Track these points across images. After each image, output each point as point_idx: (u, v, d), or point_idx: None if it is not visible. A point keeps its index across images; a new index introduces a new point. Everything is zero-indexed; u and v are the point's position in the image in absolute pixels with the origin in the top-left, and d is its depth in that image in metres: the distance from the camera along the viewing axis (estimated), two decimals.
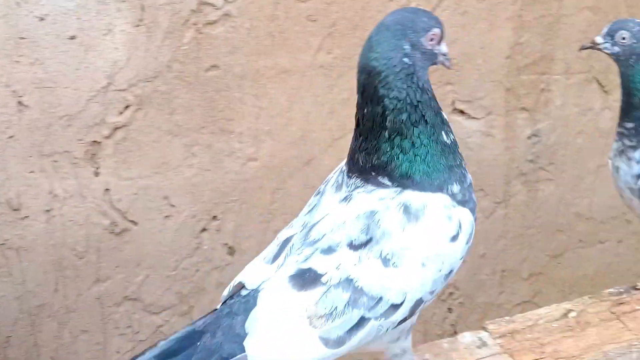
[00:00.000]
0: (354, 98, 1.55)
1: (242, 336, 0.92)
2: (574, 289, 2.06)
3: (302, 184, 1.58)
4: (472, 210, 0.98)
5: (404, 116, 0.94)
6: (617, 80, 1.86)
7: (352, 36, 1.51)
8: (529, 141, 1.82)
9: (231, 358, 0.91)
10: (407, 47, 0.94)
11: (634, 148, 1.24)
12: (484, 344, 1.24)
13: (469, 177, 1.00)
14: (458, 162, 0.98)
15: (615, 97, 1.88)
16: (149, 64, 1.36)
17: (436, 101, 0.97)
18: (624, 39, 1.22)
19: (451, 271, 0.98)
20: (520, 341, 1.24)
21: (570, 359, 1.21)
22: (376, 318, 0.93)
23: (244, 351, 0.91)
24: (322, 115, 1.54)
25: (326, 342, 0.92)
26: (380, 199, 0.95)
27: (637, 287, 1.38)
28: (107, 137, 1.38)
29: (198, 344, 0.92)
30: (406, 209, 0.94)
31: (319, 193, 1.05)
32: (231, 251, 1.56)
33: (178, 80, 1.39)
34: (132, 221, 1.46)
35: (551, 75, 1.78)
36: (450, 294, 1.86)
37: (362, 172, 0.98)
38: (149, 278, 1.51)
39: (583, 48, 1.28)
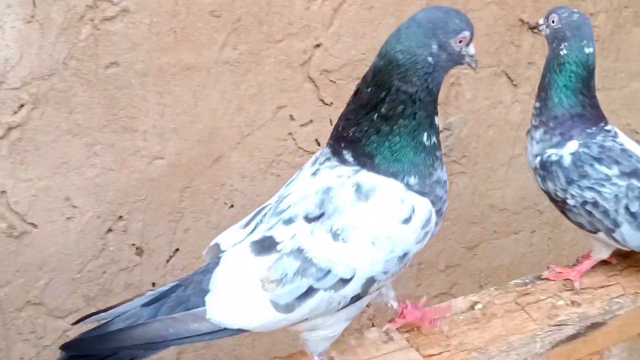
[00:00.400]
0: (261, 94, 1.55)
1: (206, 291, 0.99)
2: (490, 279, 2.09)
3: (211, 182, 1.56)
4: (433, 202, 1.01)
5: (400, 108, 0.98)
6: (525, 73, 1.92)
7: (258, 32, 1.50)
8: (441, 135, 1.84)
9: (193, 309, 0.98)
10: (434, 46, 0.97)
11: (536, 128, 1.30)
12: (390, 339, 1.24)
13: (441, 176, 1.03)
14: (429, 162, 1.01)
15: (524, 90, 1.93)
16: (43, 61, 1.31)
17: (435, 104, 1.01)
18: (553, 22, 1.28)
19: (405, 254, 1.01)
20: (427, 335, 1.25)
21: (475, 350, 1.23)
22: (325, 289, 0.98)
23: (204, 305, 0.98)
24: (230, 111, 1.52)
25: (276, 306, 0.97)
26: (338, 176, 1.01)
27: (542, 277, 1.41)
28: (1, 138, 1.33)
29: (172, 294, 1.01)
30: (358, 188, 0.99)
31: (302, 168, 1.11)
32: (139, 251, 1.53)
33: (76, 77, 1.35)
34: (31, 224, 1.41)
35: (461, 69, 1.80)
36: None
37: (336, 141, 1.04)
38: (53, 282, 1.46)
39: (530, 27, 1.35)
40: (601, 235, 1.28)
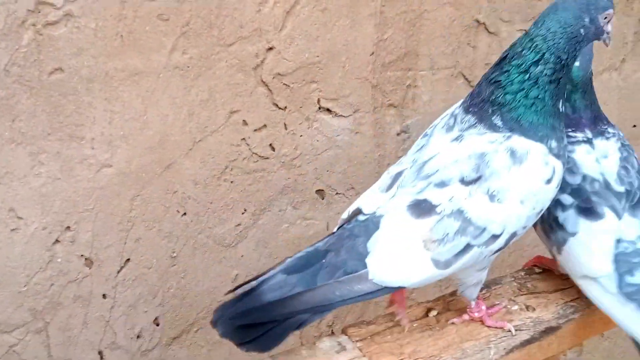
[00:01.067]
0: (213, 99, 1.52)
1: (364, 254, 1.09)
2: (451, 283, 2.08)
3: (163, 190, 1.53)
4: (563, 164, 1.16)
5: (550, 71, 1.11)
6: (482, 74, 1.91)
7: (208, 35, 1.47)
8: (398, 137, 1.83)
9: (354, 273, 1.08)
10: (587, 20, 1.11)
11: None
12: (342, 349, 1.23)
13: (566, 141, 1.18)
14: (561, 128, 1.15)
15: None
16: None
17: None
18: None
19: (542, 209, 1.16)
20: (380, 343, 1.24)
21: (429, 358, 1.21)
22: (479, 246, 1.11)
23: (366, 267, 1.08)
24: (181, 117, 1.50)
25: (436, 263, 1.10)
26: (490, 142, 1.12)
27: (497, 282, 1.41)
28: None
29: (323, 261, 1.10)
30: (512, 153, 1.11)
31: (425, 135, 1.21)
32: (88, 262, 1.49)
33: (18, 85, 1.31)
34: None
35: (417, 71, 1.79)
36: None
37: (480, 108, 1.14)
38: None
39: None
40: None
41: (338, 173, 1.76)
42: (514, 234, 1.14)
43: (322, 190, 1.76)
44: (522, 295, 1.38)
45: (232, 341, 1.08)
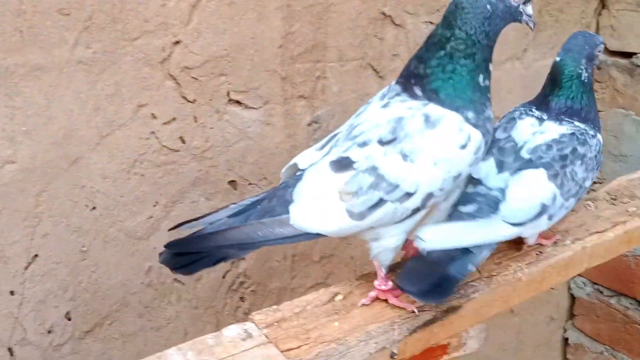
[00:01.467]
0: (120, 93, 1.52)
1: (290, 202, 1.22)
2: (365, 267, 2.14)
3: (70, 185, 1.52)
4: (483, 134, 1.21)
5: (462, 47, 1.18)
6: (390, 65, 1.96)
7: (112, 30, 1.47)
8: (309, 128, 1.87)
9: (278, 216, 1.21)
10: None
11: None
12: (249, 336, 1.25)
13: (490, 114, 1.24)
14: (482, 101, 1.22)
15: (390, 82, 1.98)
16: None
17: (491, 52, 1.21)
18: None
19: (459, 174, 1.22)
20: (286, 329, 1.26)
21: (334, 341, 1.25)
22: (392, 201, 1.19)
23: (289, 213, 1.21)
24: (86, 112, 1.49)
25: (351, 214, 1.19)
26: (409, 108, 1.21)
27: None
28: None
29: (258, 206, 1.25)
30: (427, 118, 1.19)
31: (368, 103, 1.31)
32: None
33: None
34: None
35: (326, 63, 1.83)
36: (242, 283, 1.87)
37: (406, 78, 1.24)
38: None
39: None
40: None
41: (250, 164, 1.79)
42: (430, 195, 1.21)
43: (235, 181, 1.78)
44: None
45: (167, 266, 1.24)
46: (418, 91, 1.22)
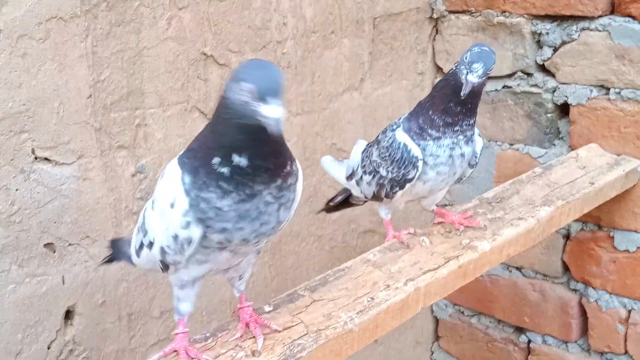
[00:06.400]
0: None
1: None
2: (212, 317, 2.04)
3: None
4: (192, 205, 1.13)
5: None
6: None
7: None
8: (134, 178, 1.75)
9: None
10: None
11: (472, 133, 1.59)
12: None
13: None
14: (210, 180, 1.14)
15: None
16: None
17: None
18: (491, 71, 1.51)
19: (176, 236, 1.16)
20: None
21: None
22: (147, 246, 1.25)
23: None
24: None
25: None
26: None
27: (224, 328, 1.37)
28: None
29: None
30: (164, 170, 1.20)
31: None
32: None
33: None
34: None
35: (145, 110, 1.73)
36: (71, 351, 1.73)
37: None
38: None
39: (467, 93, 1.49)
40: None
41: (68, 224, 1.66)
42: (163, 251, 1.21)
43: (52, 243, 1.64)
44: (250, 339, 1.34)
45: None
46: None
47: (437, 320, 2.79)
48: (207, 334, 1.35)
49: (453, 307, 2.71)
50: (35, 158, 1.57)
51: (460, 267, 1.61)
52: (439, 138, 1.55)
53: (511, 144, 2.39)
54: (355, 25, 2.10)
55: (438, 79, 2.49)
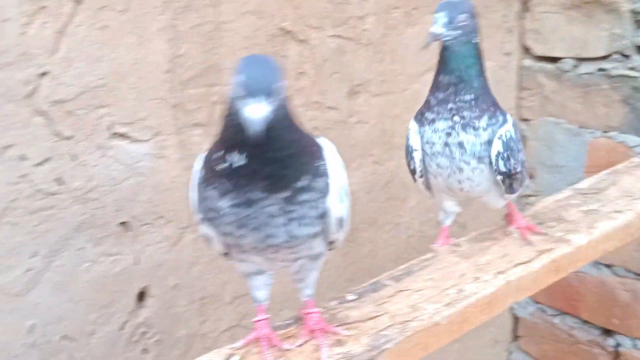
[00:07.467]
0: None
1: None
2: (285, 305, 2.04)
3: None
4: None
5: None
6: (296, 85, 1.87)
7: None
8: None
9: None
10: None
11: (478, 118, 1.35)
12: None
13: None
14: None
15: (299, 102, 1.89)
16: None
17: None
18: (463, 20, 1.32)
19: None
20: None
21: None
22: None
23: None
24: None
25: None
26: None
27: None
28: None
29: None
30: None
31: None
32: None
33: None
34: None
35: (222, 86, 1.73)
36: (143, 333, 1.76)
37: None
38: None
39: (427, 45, 1.34)
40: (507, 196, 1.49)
41: (143, 202, 1.68)
42: None
43: (127, 222, 1.67)
44: (337, 326, 1.34)
45: None
46: None
47: (516, 319, 2.73)
48: (289, 321, 1.35)
49: (535, 305, 2.65)
50: (113, 134, 1.59)
51: (554, 261, 1.56)
52: (433, 121, 1.38)
53: (604, 132, 2.32)
54: (438, 2, 2.06)
55: (525, 61, 2.44)
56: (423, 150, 1.42)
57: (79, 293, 1.63)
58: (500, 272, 1.49)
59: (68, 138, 1.53)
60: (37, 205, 1.52)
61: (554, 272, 1.57)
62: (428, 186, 1.50)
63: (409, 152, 1.45)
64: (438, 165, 1.42)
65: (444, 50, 1.36)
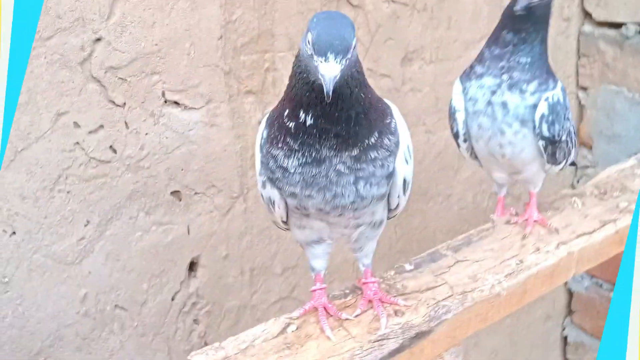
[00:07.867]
0: (34, 101, 1.42)
1: None
2: (335, 276, 2.05)
3: None
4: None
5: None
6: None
7: None
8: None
9: None
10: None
11: (528, 82, 1.34)
12: None
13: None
14: None
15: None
16: None
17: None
18: None
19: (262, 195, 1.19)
20: None
21: None
22: None
23: None
24: None
25: None
26: None
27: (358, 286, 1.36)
28: None
29: None
30: None
31: None
32: None
33: None
34: None
35: (275, 53, 1.72)
36: (194, 304, 1.77)
37: None
38: None
39: (521, 9, 1.33)
40: (553, 167, 1.47)
41: (195, 171, 1.68)
42: None
43: (178, 191, 1.68)
44: (391, 297, 1.34)
45: None
46: None
47: (570, 293, 2.70)
48: (347, 291, 1.35)
49: (590, 279, 2.62)
50: (165, 101, 1.59)
51: (617, 232, 1.54)
52: (481, 76, 1.36)
53: None
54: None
55: (585, 27, 2.38)
56: (466, 110, 1.40)
57: (131, 262, 1.65)
58: (562, 243, 1.47)
59: (121, 105, 1.53)
60: (90, 173, 1.54)
61: (618, 244, 1.55)
62: (473, 154, 1.48)
63: (451, 114, 1.43)
64: (479, 127, 1.39)
65: (524, 9, 1.33)
